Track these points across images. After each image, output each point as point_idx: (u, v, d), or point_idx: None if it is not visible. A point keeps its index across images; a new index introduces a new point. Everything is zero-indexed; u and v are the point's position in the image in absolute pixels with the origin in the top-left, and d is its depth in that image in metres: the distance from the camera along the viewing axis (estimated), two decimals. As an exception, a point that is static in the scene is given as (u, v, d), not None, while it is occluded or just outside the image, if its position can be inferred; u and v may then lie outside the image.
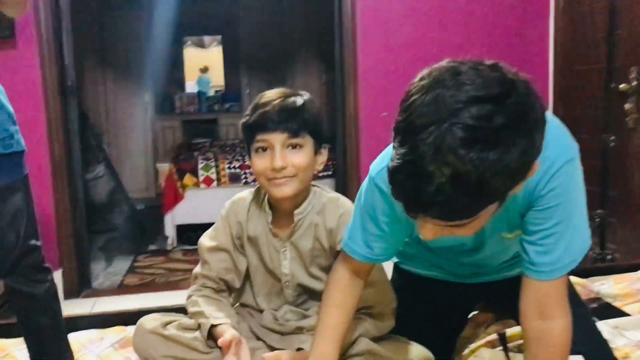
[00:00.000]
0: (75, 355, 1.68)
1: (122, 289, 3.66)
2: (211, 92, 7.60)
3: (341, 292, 1.37)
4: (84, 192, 4.35)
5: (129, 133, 6.40)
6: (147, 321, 1.49)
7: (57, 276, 3.27)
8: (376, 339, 1.48)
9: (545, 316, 1.17)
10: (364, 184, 1.33)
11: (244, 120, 1.47)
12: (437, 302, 1.58)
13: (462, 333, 1.67)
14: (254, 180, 4.45)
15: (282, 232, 1.52)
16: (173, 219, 4.52)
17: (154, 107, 6.69)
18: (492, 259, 1.45)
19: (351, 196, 1.50)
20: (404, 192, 0.93)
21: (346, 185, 3.64)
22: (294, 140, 1.41)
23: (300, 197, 1.49)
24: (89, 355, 1.71)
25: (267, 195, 1.52)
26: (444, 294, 1.58)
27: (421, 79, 0.95)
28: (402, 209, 0.97)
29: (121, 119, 6.39)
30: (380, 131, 3.50)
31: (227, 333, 1.38)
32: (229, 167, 4.59)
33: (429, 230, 0.99)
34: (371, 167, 1.30)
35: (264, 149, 1.43)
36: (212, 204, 4.48)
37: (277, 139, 1.40)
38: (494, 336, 1.58)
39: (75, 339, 1.77)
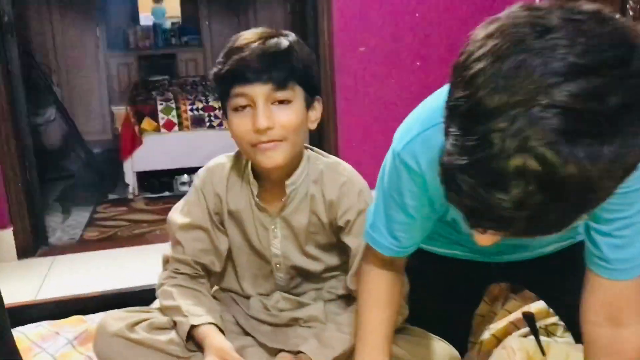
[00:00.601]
0: (25, 357, 1.39)
1: (82, 244, 3.39)
2: (167, 25, 7.15)
3: (376, 288, 1.13)
4: (33, 138, 4.03)
5: (81, 72, 5.98)
6: (111, 322, 1.23)
7: (8, 235, 3.00)
8: None
9: (617, 323, 0.95)
10: (387, 159, 1.07)
11: (215, 69, 1.19)
12: (454, 283, 1.36)
13: (477, 310, 1.47)
14: (220, 125, 4.28)
15: (271, 206, 1.28)
16: (133, 165, 4.21)
17: (106, 42, 6.25)
18: (531, 239, 1.22)
19: (328, 151, 1.28)
20: (469, 201, 0.67)
21: (322, 137, 3.35)
22: (281, 94, 1.15)
23: (292, 163, 1.23)
24: (42, 355, 1.45)
25: (250, 163, 1.26)
26: (461, 274, 1.36)
27: (488, 36, 0.66)
28: (445, 202, 0.73)
29: (71, 56, 5.94)
30: (358, 69, 3.22)
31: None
32: (191, 110, 4.27)
33: (488, 239, 0.75)
34: (395, 137, 1.03)
35: (244, 107, 1.16)
36: (175, 148, 4.22)
37: (259, 92, 1.14)
38: (516, 316, 1.39)
39: (22, 335, 1.50)
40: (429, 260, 1.36)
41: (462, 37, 0.69)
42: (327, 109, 3.28)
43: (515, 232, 0.68)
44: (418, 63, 3.29)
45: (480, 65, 0.65)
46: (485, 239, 0.74)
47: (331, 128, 3.26)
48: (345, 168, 1.29)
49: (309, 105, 1.21)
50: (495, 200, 0.64)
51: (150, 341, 1.20)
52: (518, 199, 0.63)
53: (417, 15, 3.22)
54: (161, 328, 1.24)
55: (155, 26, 6.94)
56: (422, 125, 0.98)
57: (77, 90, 5.94)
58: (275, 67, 1.14)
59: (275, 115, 1.15)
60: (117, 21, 6.62)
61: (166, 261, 1.33)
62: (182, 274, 1.30)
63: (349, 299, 1.34)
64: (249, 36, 1.18)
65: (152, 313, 1.28)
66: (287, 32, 1.22)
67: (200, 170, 1.33)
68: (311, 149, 1.31)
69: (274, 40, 1.16)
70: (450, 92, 0.69)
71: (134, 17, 6.98)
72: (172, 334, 1.22)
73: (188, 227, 1.30)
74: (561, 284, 1.30)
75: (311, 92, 1.21)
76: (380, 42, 3.21)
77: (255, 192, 1.26)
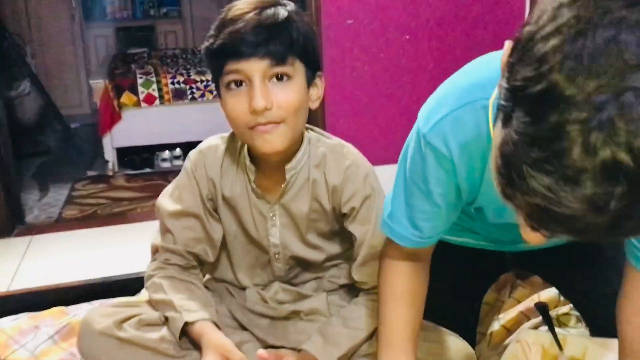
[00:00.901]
0: (2, 353, 1.30)
1: (60, 223, 3.28)
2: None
3: (399, 283, 1.03)
4: (7, 112, 3.88)
5: (57, 43, 5.76)
6: (96, 318, 1.12)
7: (-18, 215, 2.88)
8: None
9: None
10: (410, 142, 0.96)
11: (207, 43, 1.08)
12: (464, 272, 1.28)
13: (483, 298, 1.39)
14: (202, 96, 4.16)
15: (269, 193, 1.18)
16: (112, 141, 4.07)
17: (82, 13, 6.04)
18: None
19: (315, 126, 1.22)
20: (539, 200, 0.57)
21: (309, 116, 3.23)
22: (280, 69, 1.05)
23: (292, 146, 1.13)
24: (21, 352, 1.34)
25: (246, 145, 1.16)
26: (472, 264, 1.27)
27: (562, 5, 0.55)
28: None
29: (46, 27, 5.72)
30: (347, 42, 3.12)
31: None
32: (172, 83, 4.13)
33: (539, 238, 0.65)
34: (420, 116, 0.93)
35: (238, 84, 1.05)
36: (156, 122, 4.09)
37: (255, 68, 1.03)
38: (527, 305, 1.32)
39: (-1, 329, 1.40)
40: (437, 250, 1.26)
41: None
42: (314, 83, 3.19)
43: (590, 237, 0.59)
44: (407, 37, 3.19)
45: (554, 41, 0.54)
46: (536, 237, 0.65)
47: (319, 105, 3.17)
48: (350, 151, 1.20)
49: (309, 82, 1.11)
50: (573, 202, 0.55)
51: (140, 339, 1.11)
52: (602, 200, 0.54)
53: (406, -14, 3.12)
54: (152, 324, 1.15)
55: (133, -4, 6.74)
56: (452, 104, 0.88)
57: (52, 63, 5.73)
58: (273, 40, 1.03)
59: (274, 94, 1.04)
60: (93, -9, 6.42)
61: (155, 250, 1.23)
62: (173, 264, 1.21)
63: (351, 288, 1.27)
64: (242, 6, 1.07)
65: (141, 307, 1.18)
66: (285, 0, 1.11)
67: (191, 152, 1.22)
68: (312, 130, 1.21)
69: (271, 11, 1.06)
70: (512, 70, 0.59)
71: (111, -13, 6.77)
72: (164, 331, 1.13)
73: (179, 214, 1.20)
74: (577, 271, 1.24)
75: (312, 68, 1.11)
76: (368, 15, 3.11)
77: (252, 178, 1.17)
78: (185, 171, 1.21)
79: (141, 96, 4.05)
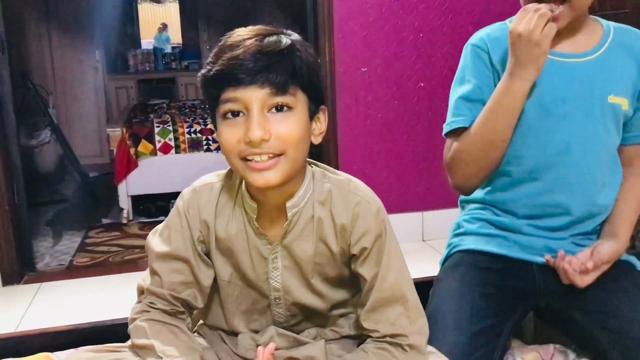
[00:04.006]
0: None
1: (71, 270, 3.25)
2: (168, 49, 7.11)
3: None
4: (27, 160, 3.92)
5: (79, 94, 5.89)
6: None
7: (-8, 261, 2.86)
8: None
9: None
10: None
11: (204, 71, 1.01)
12: (492, 284, 1.34)
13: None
14: (218, 148, 4.15)
15: (270, 232, 1.10)
16: (128, 189, 4.08)
17: (105, 65, 6.17)
18: (582, 176, 1.33)
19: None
20: None
21: (322, 160, 3.19)
22: (280, 99, 0.97)
23: (292, 182, 1.05)
24: None
25: (244, 182, 1.09)
26: (501, 276, 1.35)
27: None
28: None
29: (69, 79, 5.85)
30: (360, 90, 3.11)
31: None
32: (189, 132, 4.16)
33: None
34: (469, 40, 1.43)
35: (236, 114, 0.98)
36: (170, 171, 4.09)
37: (254, 97, 0.96)
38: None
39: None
40: (474, 258, 1.41)
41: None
42: (328, 130, 3.15)
43: None
44: (422, 84, 3.17)
45: None
46: None
47: (332, 150, 3.14)
48: (358, 186, 1.11)
49: (312, 115, 1.03)
50: None
51: None
52: None
53: (421, 35, 3.12)
54: None
55: (156, 50, 6.89)
56: (490, 27, 1.43)
57: (74, 114, 5.84)
58: (273, 68, 0.96)
59: (272, 125, 0.97)
60: (117, 45, 6.57)
61: (141, 292, 1.15)
62: (157, 308, 1.12)
63: (354, 340, 1.17)
64: (243, 33, 1.01)
65: (121, 353, 1.10)
66: (288, 30, 1.05)
67: (184, 191, 1.15)
68: (316, 165, 1.14)
69: (273, 38, 0.99)
70: None
71: (135, 42, 6.93)
72: None
73: (166, 256, 1.12)
74: (606, 301, 1.28)
75: (315, 100, 1.03)
76: (382, 63, 3.11)
77: (254, 216, 1.09)
78: (177, 210, 1.14)
79: (157, 145, 4.07)
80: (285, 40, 0.99)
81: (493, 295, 1.31)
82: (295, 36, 1.03)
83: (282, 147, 0.98)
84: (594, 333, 1.26)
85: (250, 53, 0.96)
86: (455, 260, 1.43)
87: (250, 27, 1.02)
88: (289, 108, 0.99)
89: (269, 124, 0.97)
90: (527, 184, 1.36)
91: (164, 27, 7.30)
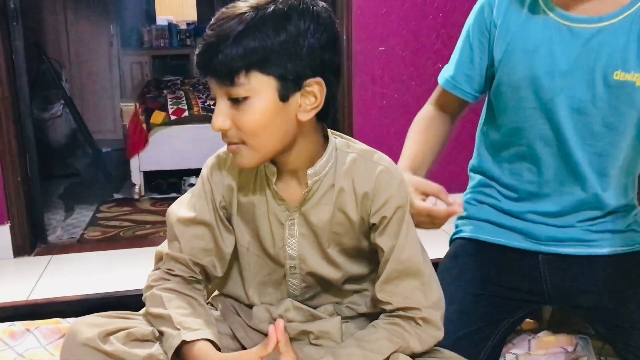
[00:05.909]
0: None
1: (82, 243, 3.25)
2: (183, 25, 7.06)
3: (420, 117, 1.44)
4: (40, 133, 3.91)
5: (93, 69, 5.86)
6: (82, 328, 1.02)
7: (5, 232, 2.86)
8: (416, 355, 1.07)
9: None
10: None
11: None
12: (498, 276, 1.30)
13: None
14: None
15: (289, 199, 1.09)
16: (140, 165, 4.06)
17: (120, 40, 6.14)
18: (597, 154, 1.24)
19: None
20: None
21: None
22: (229, 90, 0.95)
23: (311, 149, 1.05)
24: (8, 352, 1.27)
25: None
26: (507, 267, 1.31)
27: None
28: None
29: (84, 53, 5.83)
30: (377, 70, 3.06)
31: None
32: (203, 108, 4.13)
33: None
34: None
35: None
36: (183, 147, 4.06)
37: (213, 86, 0.98)
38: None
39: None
40: (466, 260, 1.37)
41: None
42: (343, 110, 3.12)
43: None
44: (440, 65, 3.12)
45: None
46: None
47: (346, 129, 3.10)
48: (382, 157, 1.10)
49: (288, 94, 0.97)
50: None
51: (124, 355, 1.00)
52: None
53: (440, 15, 3.06)
54: (141, 340, 1.04)
55: (171, 26, 6.85)
56: None
57: (88, 88, 5.83)
58: (218, 59, 0.93)
59: (233, 115, 0.97)
60: (132, 20, 6.54)
61: (159, 258, 1.14)
62: (176, 275, 1.11)
63: (371, 317, 1.15)
64: (226, 11, 0.97)
65: (133, 320, 1.09)
66: (278, 2, 0.95)
67: (209, 159, 1.16)
68: (339, 136, 1.11)
69: (230, 23, 0.93)
70: None
71: (150, 17, 6.89)
72: (154, 348, 1.02)
73: (188, 221, 1.11)
74: (616, 292, 1.23)
75: (293, 77, 0.96)
76: (400, 42, 3.05)
77: (274, 180, 1.08)
78: (201, 177, 1.14)
79: (170, 111, 4.03)
80: (236, 27, 0.93)
81: (487, 296, 1.28)
82: (279, 5, 0.95)
83: (240, 137, 0.98)
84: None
85: (208, 44, 0.95)
86: (455, 249, 1.41)
87: (239, 3, 0.98)
88: (244, 98, 0.96)
89: (228, 114, 0.97)
90: (528, 159, 1.31)
91: None
